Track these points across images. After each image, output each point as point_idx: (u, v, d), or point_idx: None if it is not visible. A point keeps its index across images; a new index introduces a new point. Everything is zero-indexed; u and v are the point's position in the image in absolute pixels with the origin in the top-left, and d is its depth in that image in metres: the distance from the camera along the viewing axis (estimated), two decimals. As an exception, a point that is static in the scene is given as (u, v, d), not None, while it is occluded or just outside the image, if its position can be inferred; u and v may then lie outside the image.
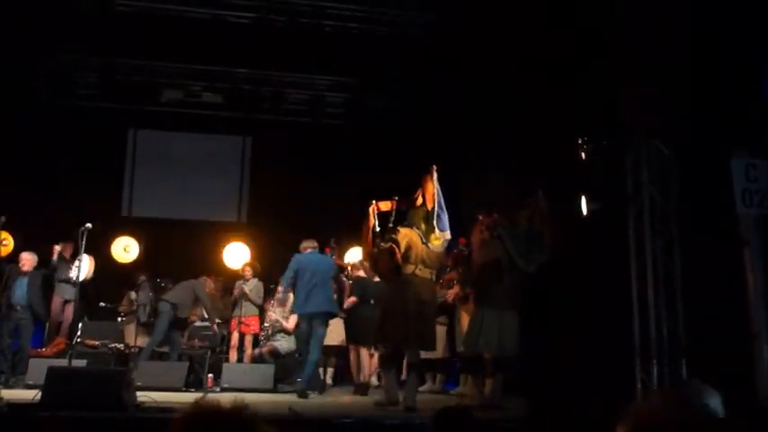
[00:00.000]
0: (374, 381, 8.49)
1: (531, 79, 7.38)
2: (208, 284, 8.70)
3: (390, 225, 6.13)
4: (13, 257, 8.20)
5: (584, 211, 6.11)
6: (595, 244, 6.17)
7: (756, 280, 4.68)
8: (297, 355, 8.59)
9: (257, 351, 8.35)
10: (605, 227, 6.09)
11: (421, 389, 7.09)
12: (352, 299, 7.75)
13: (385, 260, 5.98)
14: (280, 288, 8.09)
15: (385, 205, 6.22)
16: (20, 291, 7.83)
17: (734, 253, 4.76)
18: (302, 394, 6.79)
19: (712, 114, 5.11)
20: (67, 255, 8.71)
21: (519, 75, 7.61)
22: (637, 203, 5.80)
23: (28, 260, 7.95)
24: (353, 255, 9.89)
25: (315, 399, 7.01)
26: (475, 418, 2.55)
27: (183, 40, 8.94)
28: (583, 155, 6.01)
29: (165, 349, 8.39)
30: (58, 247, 8.41)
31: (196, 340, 8.26)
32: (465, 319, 7.20)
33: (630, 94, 5.82)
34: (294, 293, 7.54)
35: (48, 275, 8.28)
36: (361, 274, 7.86)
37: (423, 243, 5.92)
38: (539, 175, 6.85)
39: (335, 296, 7.85)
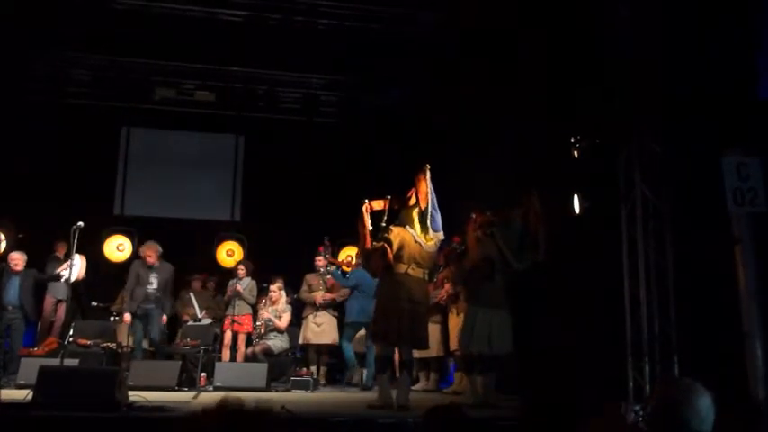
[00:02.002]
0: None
1: (525, 78, 7.38)
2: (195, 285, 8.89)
3: (383, 224, 6.12)
4: (5, 257, 8.17)
5: (577, 209, 6.11)
6: (587, 242, 6.18)
7: (748, 278, 4.68)
8: (289, 353, 8.60)
9: (250, 350, 8.34)
10: (598, 225, 6.10)
11: (414, 388, 7.10)
12: None
13: (376, 259, 5.98)
14: (338, 296, 8.69)
15: (378, 204, 6.21)
16: (12, 291, 7.81)
17: (726, 251, 4.76)
18: (366, 388, 7.87)
19: (704, 113, 5.12)
20: (60, 254, 8.69)
21: (514, 73, 7.61)
22: (629, 202, 5.80)
23: (20, 259, 7.92)
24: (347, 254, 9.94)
25: (308, 397, 7.01)
26: (466, 415, 2.54)
27: (176, 38, 8.91)
28: (575, 153, 6.02)
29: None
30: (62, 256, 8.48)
31: (188, 339, 8.23)
32: (455, 318, 7.21)
33: (623, 94, 5.83)
34: (348, 303, 8.41)
35: (39, 277, 8.27)
36: None
37: (415, 242, 5.92)
38: (532, 174, 6.86)
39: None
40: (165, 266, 8.07)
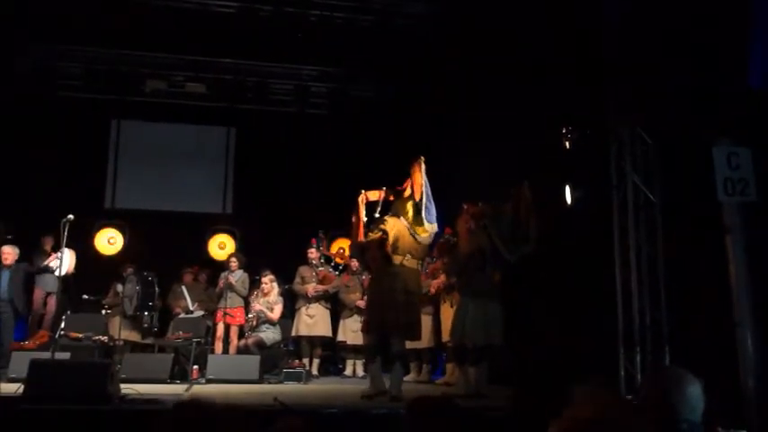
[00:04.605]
0: (360, 372, 8.52)
1: (517, 70, 7.37)
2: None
3: (377, 215, 6.11)
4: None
5: (569, 199, 6.12)
6: (579, 233, 6.19)
7: (738, 268, 4.70)
8: (282, 345, 8.60)
9: (242, 342, 8.33)
10: (589, 216, 6.11)
11: (406, 378, 7.11)
12: None
13: (374, 250, 5.96)
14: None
15: (374, 195, 6.19)
16: (2, 284, 7.79)
17: (717, 241, 4.78)
18: None
19: (695, 102, 5.12)
20: (48, 247, 8.65)
21: (505, 65, 7.60)
22: (620, 192, 5.82)
23: (10, 253, 7.90)
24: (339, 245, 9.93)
25: (301, 389, 7.02)
26: (456, 405, 2.50)
27: (166, 30, 8.85)
28: (567, 144, 6.02)
29: (149, 341, 8.36)
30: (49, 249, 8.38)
31: (180, 332, 8.21)
32: (448, 309, 7.22)
33: (614, 84, 5.83)
34: None
35: (29, 269, 8.23)
36: None
37: (410, 234, 5.91)
38: (524, 165, 6.86)
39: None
40: None
